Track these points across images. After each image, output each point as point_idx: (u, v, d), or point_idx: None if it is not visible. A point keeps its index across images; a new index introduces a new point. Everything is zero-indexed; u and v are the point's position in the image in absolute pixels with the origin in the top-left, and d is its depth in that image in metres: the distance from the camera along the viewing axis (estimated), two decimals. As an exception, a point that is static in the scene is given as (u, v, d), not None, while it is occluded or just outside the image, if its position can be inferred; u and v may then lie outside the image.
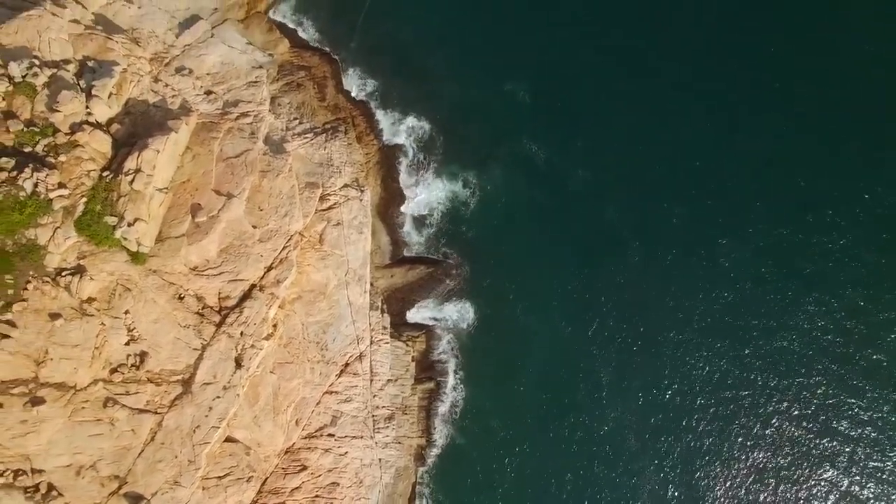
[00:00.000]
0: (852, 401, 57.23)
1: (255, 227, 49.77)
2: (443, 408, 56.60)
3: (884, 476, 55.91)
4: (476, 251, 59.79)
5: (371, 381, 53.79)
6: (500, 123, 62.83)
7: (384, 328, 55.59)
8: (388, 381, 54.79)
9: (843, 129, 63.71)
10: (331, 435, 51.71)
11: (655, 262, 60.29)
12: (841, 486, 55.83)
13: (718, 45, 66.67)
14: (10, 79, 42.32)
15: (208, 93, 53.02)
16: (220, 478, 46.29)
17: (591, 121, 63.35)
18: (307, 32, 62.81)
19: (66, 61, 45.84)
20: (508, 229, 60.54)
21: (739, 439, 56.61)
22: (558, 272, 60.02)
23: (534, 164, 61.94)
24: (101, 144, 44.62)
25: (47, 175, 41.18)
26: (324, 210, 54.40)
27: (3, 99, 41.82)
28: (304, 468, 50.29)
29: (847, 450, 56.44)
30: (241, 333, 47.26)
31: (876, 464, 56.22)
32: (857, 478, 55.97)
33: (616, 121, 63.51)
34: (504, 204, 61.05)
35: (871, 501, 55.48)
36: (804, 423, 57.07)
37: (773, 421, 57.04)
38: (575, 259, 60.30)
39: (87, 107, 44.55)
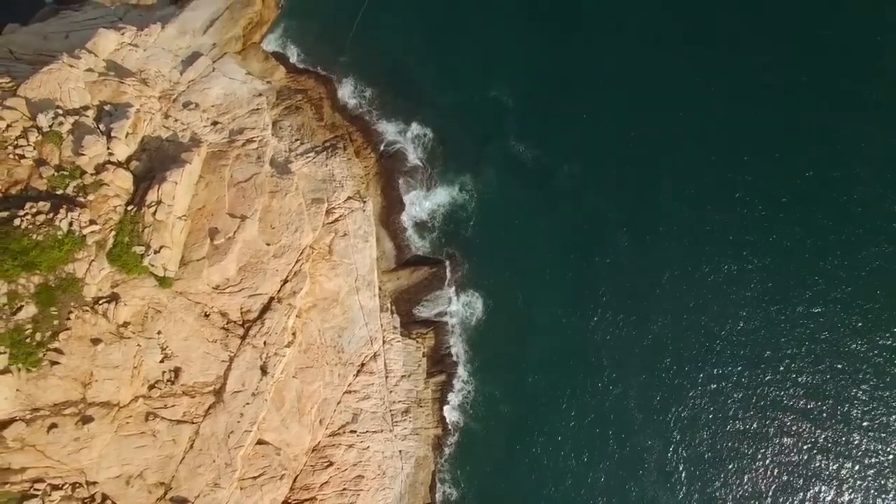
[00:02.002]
0: (848, 373, 58.63)
1: (268, 244, 50.95)
2: (455, 398, 57.51)
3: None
4: (475, 249, 61.07)
5: (386, 378, 55.01)
6: (488, 127, 64.29)
7: (395, 328, 56.88)
8: (402, 377, 55.95)
9: (830, 125, 65.41)
10: (353, 431, 52.81)
11: (644, 245, 61.67)
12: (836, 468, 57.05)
13: (692, 38, 68.47)
14: (39, 129, 43.91)
15: (214, 123, 54.12)
16: (255, 478, 47.49)
17: (569, 118, 64.98)
18: (300, 57, 64.22)
19: (86, 108, 47.29)
20: (505, 226, 61.83)
21: (737, 411, 57.94)
22: (555, 263, 61.24)
23: (522, 164, 63.41)
24: (123, 181, 46.34)
25: (79, 214, 42.51)
26: (330, 223, 55.76)
27: (35, 148, 43.41)
28: (331, 464, 51.47)
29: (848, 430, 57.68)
30: (264, 343, 48.80)
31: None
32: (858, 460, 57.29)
33: (593, 115, 65.14)
34: (499, 203, 62.34)
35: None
36: (800, 395, 58.26)
37: (771, 394, 58.24)
38: (570, 249, 61.49)
39: (108, 148, 46.28)
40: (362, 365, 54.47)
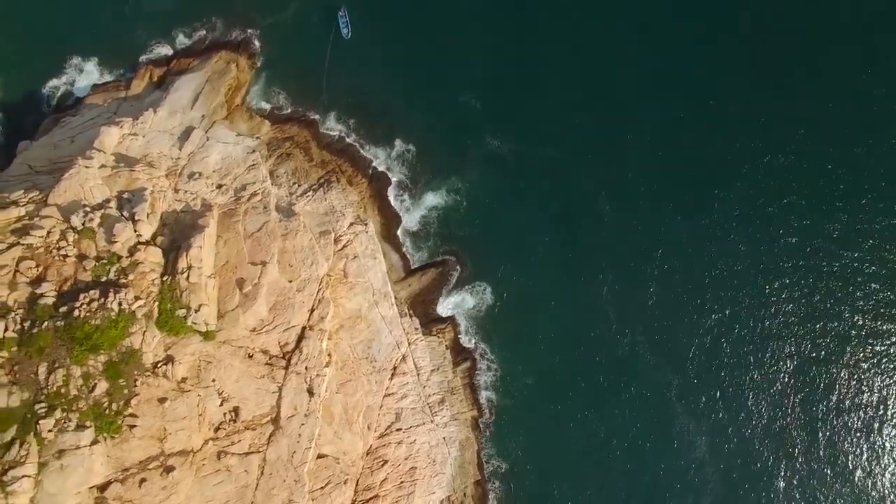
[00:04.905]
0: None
1: (290, 281, 54.55)
2: (483, 380, 62.10)
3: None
4: (473, 243, 65.64)
5: (418, 375, 59.23)
6: (464, 131, 68.77)
7: (416, 329, 61.25)
8: (432, 371, 60.24)
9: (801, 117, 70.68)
10: (399, 429, 57.15)
11: (626, 209, 66.60)
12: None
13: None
14: (74, 228, 47.75)
15: (219, 186, 57.72)
16: (322, 487, 51.73)
17: (535, 108, 69.47)
18: (281, 106, 67.89)
19: (107, 200, 50.93)
20: (496, 217, 66.39)
21: (736, 341, 63.97)
22: (547, 239, 66.12)
23: (501, 157, 68.05)
24: (154, 257, 49.65)
25: (125, 293, 46.02)
26: (340, 249, 59.46)
27: (74, 246, 47.23)
28: (385, 462, 55.85)
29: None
30: (306, 368, 52.45)
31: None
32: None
33: (556, 101, 69.75)
34: (486, 197, 66.88)
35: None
36: (795, 343, 64.28)
37: (764, 325, 64.30)
38: (558, 225, 66.41)
39: (135, 231, 49.51)
40: (394, 368, 58.63)
